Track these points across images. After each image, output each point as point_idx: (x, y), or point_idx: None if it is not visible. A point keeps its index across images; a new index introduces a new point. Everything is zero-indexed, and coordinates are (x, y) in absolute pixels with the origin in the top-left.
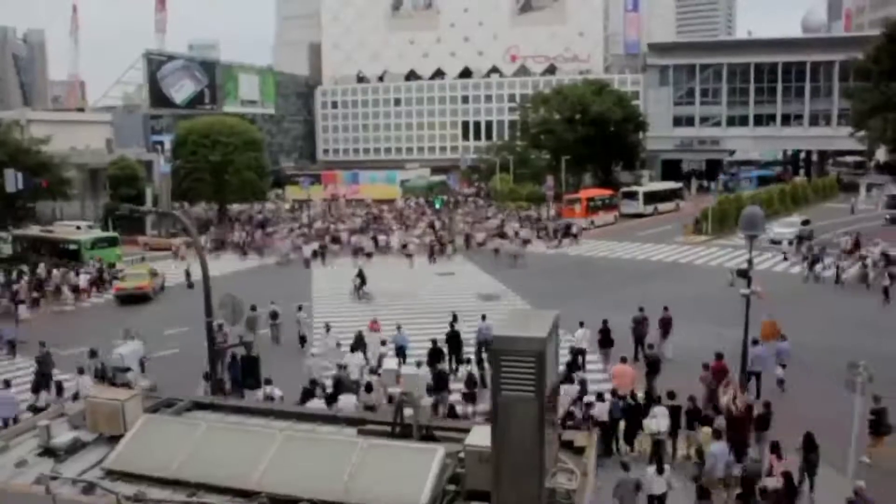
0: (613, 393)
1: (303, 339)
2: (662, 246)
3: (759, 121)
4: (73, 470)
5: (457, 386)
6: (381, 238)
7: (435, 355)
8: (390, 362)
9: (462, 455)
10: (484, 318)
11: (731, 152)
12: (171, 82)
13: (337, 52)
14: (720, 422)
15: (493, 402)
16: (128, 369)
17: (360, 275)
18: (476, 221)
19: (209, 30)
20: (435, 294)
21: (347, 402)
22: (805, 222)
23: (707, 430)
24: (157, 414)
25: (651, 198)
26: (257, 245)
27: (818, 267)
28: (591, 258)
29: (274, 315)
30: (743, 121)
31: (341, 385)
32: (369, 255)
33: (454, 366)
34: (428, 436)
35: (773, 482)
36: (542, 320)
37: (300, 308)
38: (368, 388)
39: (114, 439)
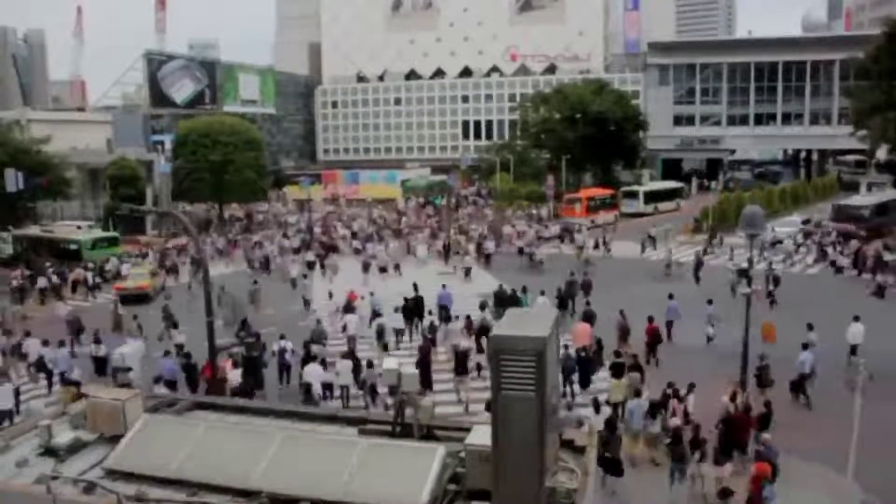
0: (566, 347)
1: (307, 303)
2: (663, 245)
3: (760, 120)
4: (74, 470)
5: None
6: (394, 246)
7: (406, 311)
8: (391, 362)
9: (463, 454)
10: (444, 286)
11: (732, 151)
12: (171, 82)
13: (337, 52)
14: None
15: (493, 402)
16: (129, 369)
17: (166, 310)
18: (492, 224)
19: (209, 30)
20: (434, 294)
21: (344, 365)
22: (805, 221)
23: (616, 381)
24: (158, 414)
25: (652, 197)
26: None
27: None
28: (591, 257)
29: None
30: (743, 120)
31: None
32: (384, 269)
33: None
34: (428, 435)
35: (675, 421)
36: (542, 320)
37: (305, 276)
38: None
39: (114, 439)
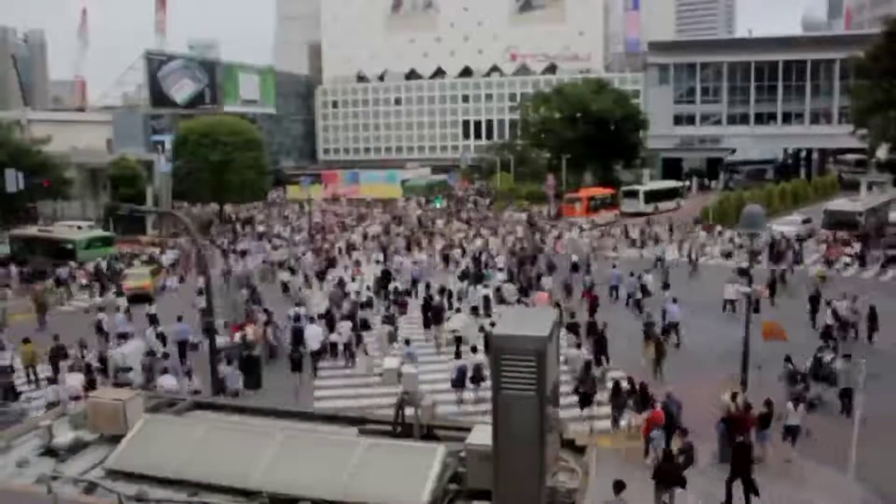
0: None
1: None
2: (663, 244)
3: (760, 119)
4: (75, 470)
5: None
6: (422, 258)
7: (378, 280)
8: (391, 362)
9: (463, 454)
10: (414, 263)
11: (732, 151)
12: (172, 82)
13: (337, 52)
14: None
15: (493, 402)
16: (129, 369)
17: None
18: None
19: (209, 30)
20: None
21: (346, 326)
22: (806, 221)
23: None
24: (159, 414)
25: (652, 196)
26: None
27: (575, 276)
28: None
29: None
30: (744, 119)
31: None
32: (401, 303)
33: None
34: (429, 435)
35: (618, 374)
36: (543, 319)
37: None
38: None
39: (115, 439)
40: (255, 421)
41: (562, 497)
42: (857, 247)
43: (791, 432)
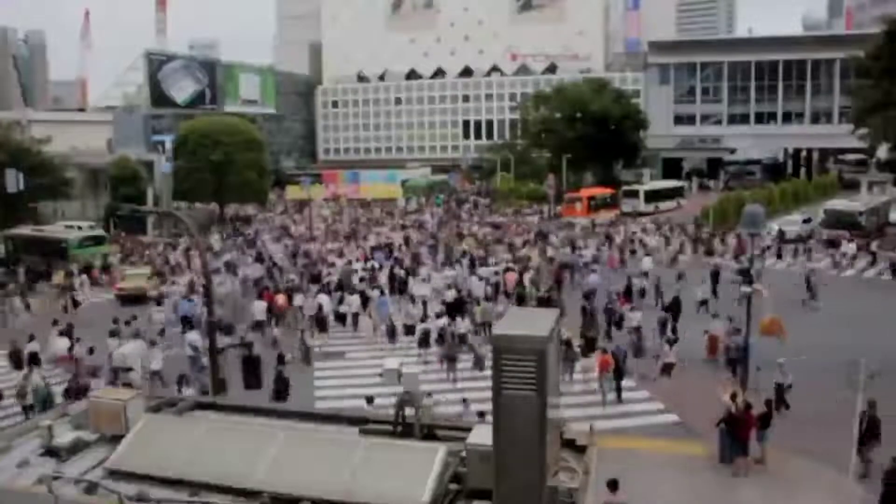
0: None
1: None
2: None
3: (760, 119)
4: (76, 470)
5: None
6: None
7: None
8: (392, 362)
9: (464, 454)
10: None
11: (732, 150)
12: (172, 82)
13: (337, 52)
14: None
15: (494, 401)
16: (130, 369)
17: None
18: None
19: (209, 30)
20: None
21: (353, 299)
22: (807, 220)
23: (479, 307)
24: (159, 414)
25: (652, 196)
26: None
27: (481, 270)
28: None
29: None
30: (744, 119)
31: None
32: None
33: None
34: (429, 435)
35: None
36: (543, 319)
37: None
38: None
39: (116, 439)
40: (256, 421)
41: (562, 496)
42: (851, 247)
43: (668, 368)
